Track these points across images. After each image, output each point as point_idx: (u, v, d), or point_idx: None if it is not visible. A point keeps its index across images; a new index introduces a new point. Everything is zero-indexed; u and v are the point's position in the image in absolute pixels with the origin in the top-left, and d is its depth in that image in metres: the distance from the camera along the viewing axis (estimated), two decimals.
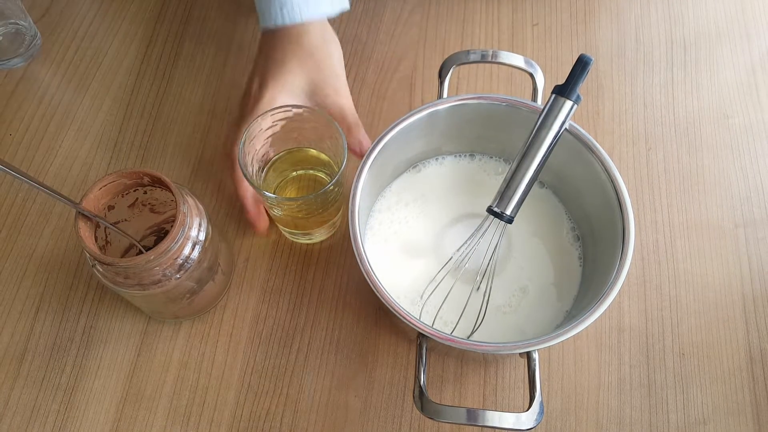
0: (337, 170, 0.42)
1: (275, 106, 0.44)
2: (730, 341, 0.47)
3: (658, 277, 0.49)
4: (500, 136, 0.48)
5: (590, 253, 0.46)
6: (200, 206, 0.41)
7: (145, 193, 0.42)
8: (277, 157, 0.48)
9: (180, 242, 0.38)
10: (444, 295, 0.44)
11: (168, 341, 0.47)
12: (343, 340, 0.47)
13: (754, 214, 0.52)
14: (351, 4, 0.51)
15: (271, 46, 0.48)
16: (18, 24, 0.57)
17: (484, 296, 0.44)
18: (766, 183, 0.53)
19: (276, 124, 0.44)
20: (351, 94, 0.50)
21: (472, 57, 0.46)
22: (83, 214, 0.37)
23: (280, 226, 0.50)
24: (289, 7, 0.46)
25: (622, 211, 0.41)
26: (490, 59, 0.46)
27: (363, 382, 0.46)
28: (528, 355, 0.38)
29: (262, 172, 0.47)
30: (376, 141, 0.43)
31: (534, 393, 0.37)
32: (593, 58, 0.39)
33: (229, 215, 0.52)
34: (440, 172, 0.50)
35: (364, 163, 0.43)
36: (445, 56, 0.47)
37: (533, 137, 0.40)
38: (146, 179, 0.39)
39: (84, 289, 0.49)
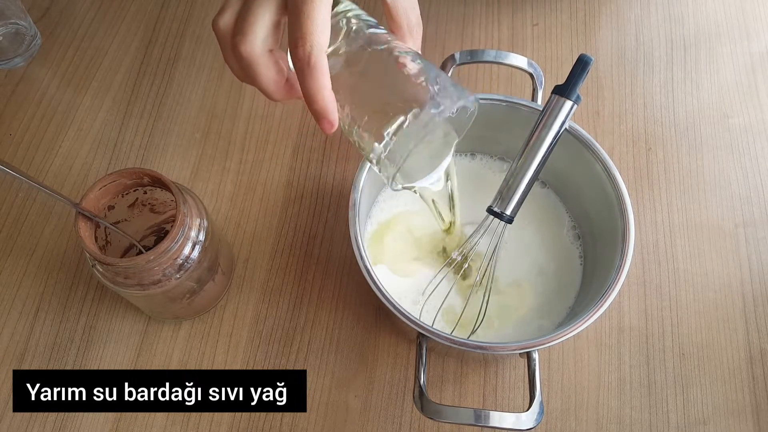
0: None
1: None
2: (730, 341, 0.47)
3: (658, 277, 0.49)
4: (500, 135, 0.48)
5: (591, 251, 0.46)
6: (200, 206, 0.41)
7: (145, 193, 0.42)
8: None
9: (180, 242, 0.38)
10: (444, 295, 0.44)
11: (168, 341, 0.47)
12: (343, 340, 0.47)
13: (754, 214, 0.52)
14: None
15: None
16: (18, 24, 0.57)
17: (483, 296, 0.44)
18: (766, 182, 0.53)
19: None
20: None
21: (472, 57, 0.46)
22: (83, 214, 0.37)
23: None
24: None
25: (622, 211, 0.41)
26: (490, 59, 0.46)
27: (363, 382, 0.46)
28: (528, 356, 0.38)
29: None
30: None
31: (534, 393, 0.37)
32: (593, 58, 0.39)
33: (230, 215, 0.52)
34: (439, 172, 0.50)
35: (365, 162, 0.43)
36: (445, 56, 0.47)
37: (533, 137, 0.40)
38: (146, 179, 0.39)
39: (84, 289, 0.49)
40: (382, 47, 0.32)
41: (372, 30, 0.33)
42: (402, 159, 0.32)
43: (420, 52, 0.35)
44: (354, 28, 0.33)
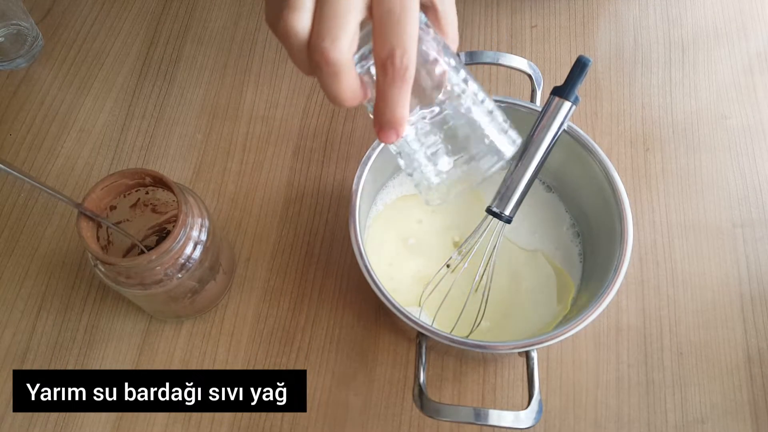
0: None
1: None
2: (728, 340, 0.48)
3: (656, 277, 0.50)
4: None
5: (590, 250, 0.47)
6: (202, 206, 0.41)
7: (147, 193, 0.42)
8: None
9: (182, 242, 0.38)
10: (443, 295, 0.44)
11: (170, 340, 0.47)
12: (343, 339, 0.47)
13: (752, 214, 0.52)
14: None
15: None
16: (20, 25, 0.57)
17: (483, 295, 0.44)
18: (764, 183, 0.53)
19: None
20: None
21: (472, 58, 0.47)
22: (85, 215, 0.37)
23: None
24: None
25: (619, 212, 0.42)
26: (489, 61, 0.47)
27: (363, 380, 0.46)
28: (527, 354, 0.39)
29: None
30: (376, 141, 0.44)
31: (533, 391, 0.37)
32: (591, 60, 0.39)
33: (231, 215, 0.52)
34: None
35: (365, 162, 0.43)
36: None
37: (532, 138, 0.40)
38: (148, 179, 0.39)
39: (86, 288, 0.49)
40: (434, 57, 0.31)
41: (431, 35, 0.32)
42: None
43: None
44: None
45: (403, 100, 0.29)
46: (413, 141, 0.32)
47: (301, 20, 0.28)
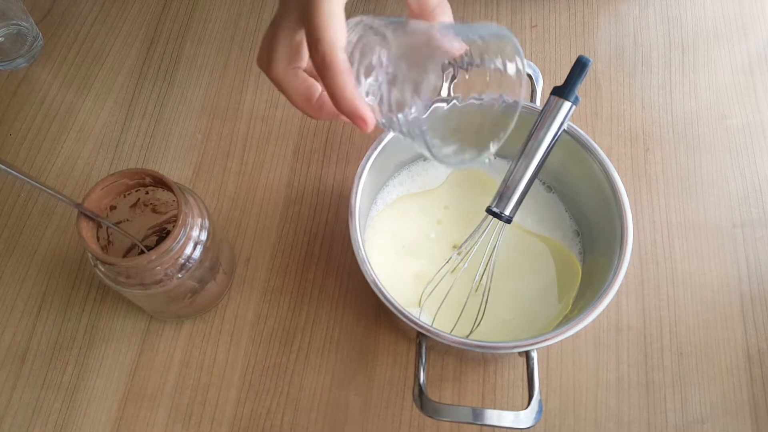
0: None
1: None
2: (728, 340, 0.48)
3: (656, 277, 0.50)
4: None
5: (590, 250, 0.47)
6: (202, 206, 0.41)
7: (147, 193, 0.42)
8: None
9: (182, 242, 0.38)
10: (443, 295, 0.44)
11: (170, 340, 0.47)
12: (343, 339, 0.47)
13: (752, 214, 0.52)
14: (352, 7, 0.51)
15: None
16: (20, 25, 0.57)
17: (483, 295, 0.44)
18: (764, 183, 0.53)
19: None
20: None
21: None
22: (85, 215, 0.37)
23: None
24: None
25: (619, 212, 0.42)
26: None
27: (363, 380, 0.46)
28: (527, 354, 0.39)
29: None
30: (376, 141, 0.44)
31: (532, 391, 0.37)
32: (591, 60, 0.39)
33: (231, 215, 0.52)
34: (440, 170, 0.50)
35: (365, 162, 0.43)
36: None
37: (532, 138, 0.40)
38: (148, 179, 0.39)
39: (86, 288, 0.49)
40: (395, 23, 0.31)
41: (387, 20, 0.32)
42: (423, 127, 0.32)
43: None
44: (370, 23, 0.32)
45: (342, 88, 0.29)
46: (414, 120, 0.32)
47: (259, 55, 0.33)
